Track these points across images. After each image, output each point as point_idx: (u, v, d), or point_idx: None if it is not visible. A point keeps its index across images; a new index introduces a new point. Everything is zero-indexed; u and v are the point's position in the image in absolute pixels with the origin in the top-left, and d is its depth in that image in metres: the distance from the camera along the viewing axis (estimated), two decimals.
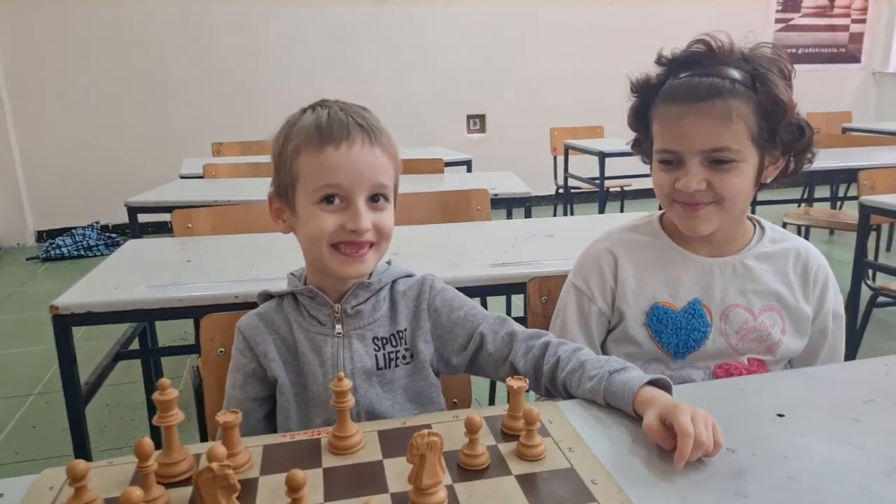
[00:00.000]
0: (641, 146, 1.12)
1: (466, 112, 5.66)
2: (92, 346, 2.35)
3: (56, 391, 2.64)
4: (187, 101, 5.12)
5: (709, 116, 0.98)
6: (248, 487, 0.70)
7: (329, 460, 0.75)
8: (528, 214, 2.44)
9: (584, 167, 4.23)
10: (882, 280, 2.64)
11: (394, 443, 0.78)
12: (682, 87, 1.02)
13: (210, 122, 5.05)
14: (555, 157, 4.64)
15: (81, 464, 0.64)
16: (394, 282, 1.04)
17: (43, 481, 0.72)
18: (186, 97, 5.11)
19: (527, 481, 0.70)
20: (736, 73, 1.00)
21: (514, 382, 0.80)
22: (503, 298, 2.92)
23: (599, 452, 0.75)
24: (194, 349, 1.97)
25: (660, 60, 1.07)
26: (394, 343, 1.00)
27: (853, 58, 6.59)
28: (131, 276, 1.50)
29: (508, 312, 2.80)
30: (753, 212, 4.15)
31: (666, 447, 0.74)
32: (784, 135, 1.01)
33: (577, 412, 0.85)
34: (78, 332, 1.42)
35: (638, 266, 1.11)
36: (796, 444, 0.76)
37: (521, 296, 1.32)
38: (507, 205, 2.58)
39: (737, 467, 0.71)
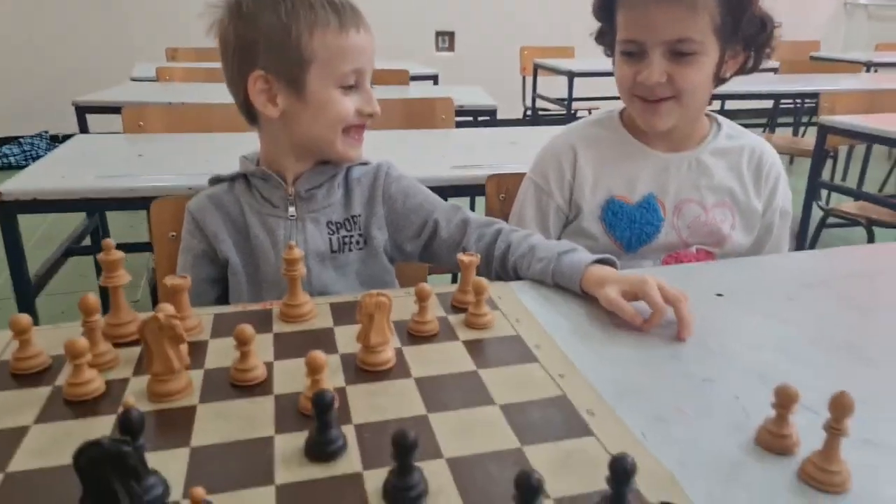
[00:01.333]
0: (605, 38, 1.10)
1: (435, 28, 5.50)
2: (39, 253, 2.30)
3: (7, 298, 2.60)
4: (140, 2, 4.85)
5: (674, 5, 0.97)
6: (198, 349, 0.70)
7: (280, 327, 0.76)
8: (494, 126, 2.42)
9: (554, 89, 4.18)
10: (834, 203, 2.71)
11: (345, 313, 0.78)
12: None
13: (165, 25, 4.82)
14: (524, 78, 4.57)
15: (24, 317, 0.64)
16: (349, 168, 1.02)
17: None
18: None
19: (473, 346, 0.72)
20: None
21: (465, 257, 0.80)
22: (465, 200, 2.91)
23: (546, 323, 0.76)
24: (149, 247, 1.95)
25: None
26: (348, 228, 1.00)
27: None
28: (80, 167, 1.47)
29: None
30: None
31: (628, 319, 0.76)
32: (747, 27, 1.00)
33: (526, 291, 0.86)
34: (28, 242, 1.38)
35: (596, 161, 1.11)
36: (731, 319, 0.79)
37: (482, 198, 1.32)
38: (473, 117, 2.56)
39: (674, 337, 0.74)
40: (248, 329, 0.63)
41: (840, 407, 0.50)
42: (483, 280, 0.75)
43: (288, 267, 0.77)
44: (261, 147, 1.01)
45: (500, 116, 2.51)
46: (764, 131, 4.12)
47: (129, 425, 0.47)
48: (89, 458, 0.41)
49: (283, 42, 0.89)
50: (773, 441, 0.55)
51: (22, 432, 0.56)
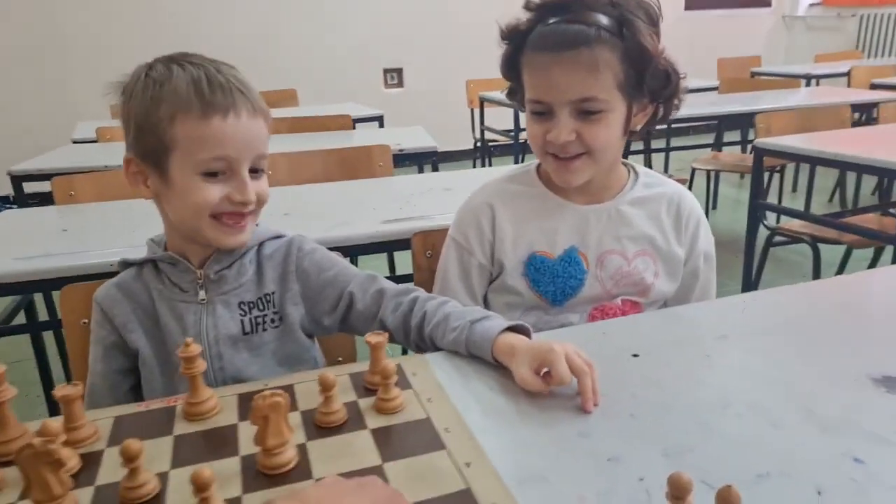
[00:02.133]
0: (517, 95, 1.11)
1: (383, 66, 5.54)
2: None
3: None
4: (83, 60, 4.80)
5: (576, 66, 0.97)
6: (93, 460, 0.67)
7: (182, 427, 0.73)
8: (434, 169, 2.42)
9: (503, 119, 4.21)
10: (782, 220, 2.75)
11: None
12: (549, 35, 1.00)
13: (107, 82, 4.76)
14: (472, 110, 4.60)
15: None
16: (261, 244, 1.00)
17: None
18: (82, 55, 4.80)
19: (381, 434, 0.70)
20: (603, 20, 0.98)
21: (373, 338, 0.78)
22: (396, 254, 2.90)
23: (458, 401, 0.75)
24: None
25: (528, 6, 1.05)
26: (261, 307, 0.97)
27: (764, 2, 6.75)
28: (1, 248, 1.41)
29: (396, 269, 2.80)
30: (667, 158, 4.25)
31: (544, 393, 0.75)
32: (651, 82, 1.01)
33: (442, 363, 0.84)
34: None
35: (515, 217, 1.11)
36: (646, 381, 0.78)
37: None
38: (417, 160, 2.55)
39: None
40: (133, 445, 0.60)
41: (676, 487, 0.49)
42: (390, 364, 0.74)
43: (186, 365, 0.74)
44: (164, 229, 0.98)
45: (452, 148, 2.51)
46: (711, 149, 4.20)
47: None
48: None
49: (147, 126, 0.87)
50: None
51: None
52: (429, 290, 1.18)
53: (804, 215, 2.82)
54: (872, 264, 2.70)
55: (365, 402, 0.76)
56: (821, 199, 4.11)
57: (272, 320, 0.97)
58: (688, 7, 6.35)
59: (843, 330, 0.90)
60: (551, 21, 1.01)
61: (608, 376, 0.78)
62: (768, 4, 6.77)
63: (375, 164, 2.10)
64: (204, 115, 0.86)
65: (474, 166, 5.00)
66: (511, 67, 1.07)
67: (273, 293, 0.98)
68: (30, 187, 2.34)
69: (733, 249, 3.18)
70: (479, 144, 4.58)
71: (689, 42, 6.01)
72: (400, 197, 1.69)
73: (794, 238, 2.50)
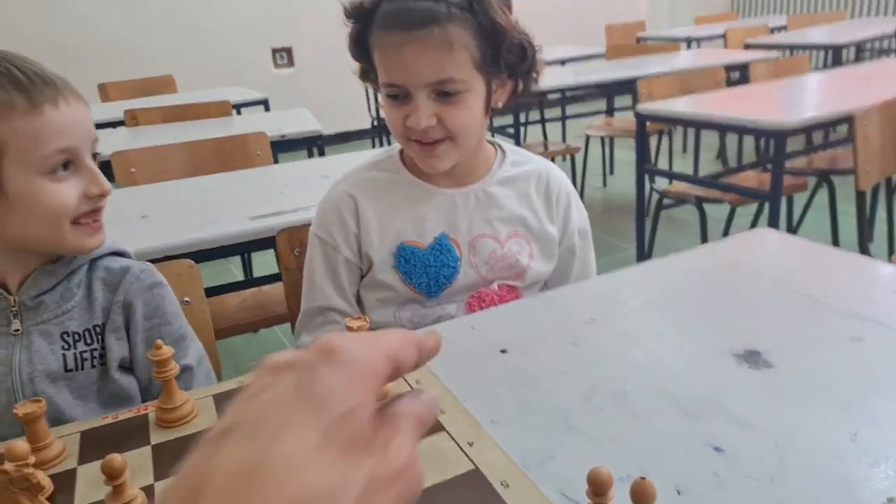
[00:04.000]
0: (369, 76, 1.03)
1: (271, 45, 5.30)
2: None
3: None
4: None
5: (429, 46, 0.91)
6: (66, 480, 0.60)
7: (159, 436, 0.66)
8: (321, 153, 2.31)
9: None
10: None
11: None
12: (397, 13, 0.93)
13: None
14: (367, 88, 4.47)
15: None
16: (93, 262, 0.88)
17: None
18: None
19: None
20: None
21: (353, 322, 0.65)
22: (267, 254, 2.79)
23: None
24: None
25: None
26: (88, 340, 0.85)
27: None
28: None
29: (254, 271, 2.70)
30: (564, 126, 4.26)
31: None
32: (507, 57, 0.96)
33: None
34: None
35: (380, 207, 1.04)
36: (512, 379, 0.73)
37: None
38: (306, 145, 2.44)
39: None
40: (116, 460, 0.53)
41: (598, 482, 0.47)
42: None
43: (158, 368, 0.66)
44: None
45: (351, 129, 2.39)
46: (605, 116, 4.27)
47: None
48: None
49: None
50: None
51: None
52: (300, 290, 1.10)
53: (686, 178, 2.90)
54: (754, 222, 2.81)
55: None
56: (709, 158, 4.26)
57: (101, 356, 0.86)
58: None
59: (709, 304, 0.89)
60: None
61: (474, 377, 0.74)
62: None
63: (253, 153, 1.98)
64: (33, 108, 0.75)
65: (373, 146, 4.89)
66: (360, 47, 0.99)
67: (102, 325, 0.87)
68: None
69: (629, 213, 3.24)
70: (375, 124, 4.48)
71: (577, 10, 6.08)
72: (272, 189, 1.59)
73: (681, 200, 2.56)
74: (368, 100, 4.48)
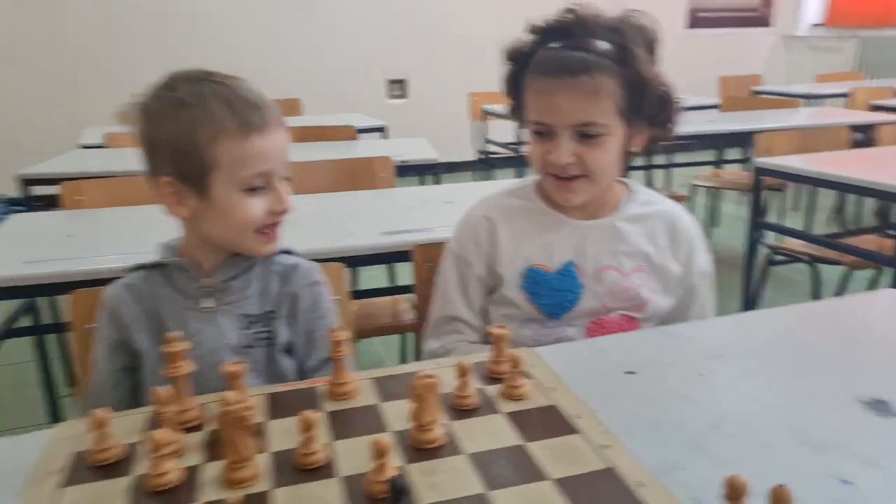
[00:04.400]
0: (518, 113, 1.13)
1: (386, 77, 5.57)
2: None
3: None
4: (90, 64, 4.84)
5: (577, 92, 1.00)
6: (260, 431, 0.71)
7: (330, 405, 0.77)
8: (437, 181, 2.44)
9: (506, 132, 4.24)
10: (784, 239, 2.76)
11: (388, 388, 0.79)
12: (552, 60, 1.03)
13: (114, 87, 4.80)
14: (474, 123, 4.63)
15: (103, 412, 0.67)
16: (269, 260, 1.02)
17: (64, 431, 0.73)
18: (89, 59, 4.84)
19: (514, 418, 0.73)
20: (604, 46, 1.01)
21: (497, 330, 0.80)
22: (399, 266, 2.92)
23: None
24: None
25: (532, 29, 1.07)
26: (261, 323, 0.99)
27: (765, 21, 6.79)
28: (12, 252, 1.45)
29: (399, 279, 2.80)
30: (668, 174, 4.25)
31: None
32: (648, 107, 1.04)
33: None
34: None
35: (514, 231, 1.13)
36: (640, 399, 0.79)
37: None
38: (418, 171, 2.58)
39: None
40: (311, 415, 0.65)
41: (734, 489, 0.52)
42: (518, 352, 0.77)
43: (335, 349, 0.77)
44: (181, 237, 1.00)
45: (455, 159, 2.53)
46: (713, 166, 4.22)
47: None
48: None
49: (186, 150, 0.89)
50: None
51: None
52: (427, 301, 1.20)
53: (804, 235, 2.83)
54: (871, 286, 2.71)
55: (492, 389, 0.78)
56: (822, 217, 4.13)
57: (268, 338, 0.99)
58: (690, 25, 6.40)
59: (835, 352, 0.91)
60: (554, 45, 1.03)
61: (603, 393, 0.79)
62: (768, 24, 6.81)
63: (377, 176, 2.13)
64: (244, 135, 0.89)
65: (474, 179, 5.02)
66: (513, 87, 1.09)
67: (273, 311, 1.00)
68: (37, 190, 2.36)
69: (733, 267, 3.19)
70: (480, 157, 4.61)
71: (691, 59, 6.04)
72: (401, 209, 1.71)
73: (794, 257, 2.51)
74: (475, 134, 4.62)
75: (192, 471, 0.65)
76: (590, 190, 1.07)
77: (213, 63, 1.00)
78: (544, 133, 1.04)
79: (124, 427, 0.72)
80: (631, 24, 1.04)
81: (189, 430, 0.72)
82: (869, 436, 0.71)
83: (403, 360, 2.29)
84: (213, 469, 0.65)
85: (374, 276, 2.40)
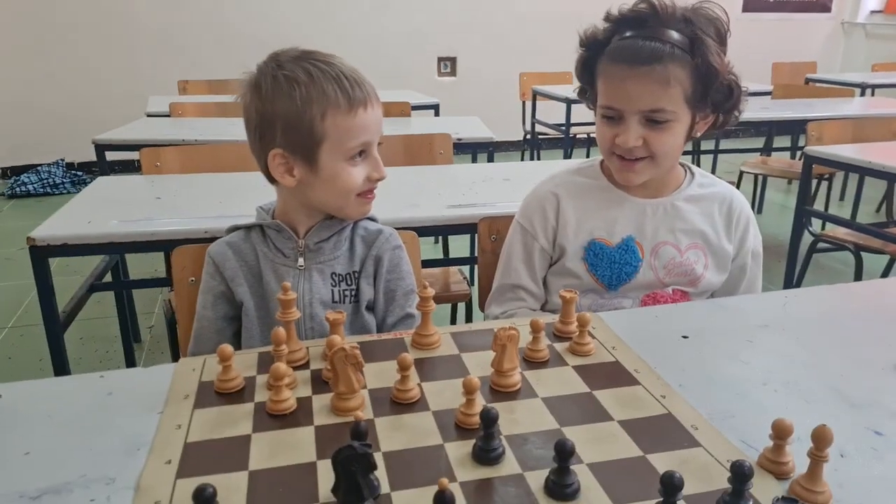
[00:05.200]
0: (587, 95, 1.21)
1: (437, 54, 5.64)
2: (60, 281, 2.42)
3: (29, 324, 2.71)
4: (153, 36, 5.02)
5: (649, 80, 1.06)
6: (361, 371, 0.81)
7: (415, 353, 0.87)
8: (490, 159, 2.52)
9: (553, 113, 4.28)
10: (827, 227, 2.79)
11: (465, 342, 0.90)
12: (626, 49, 1.09)
13: (176, 58, 4.98)
14: (523, 103, 4.68)
15: (228, 347, 0.78)
16: (356, 224, 1.13)
17: (184, 365, 0.86)
18: (152, 32, 5.01)
19: (581, 370, 0.83)
20: (676, 36, 1.07)
21: (567, 293, 0.91)
22: (460, 238, 3.02)
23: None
24: (165, 283, 2.06)
25: (607, 18, 1.14)
26: (348, 281, 1.10)
27: (823, 7, 6.64)
28: (103, 212, 1.57)
29: (462, 251, 2.94)
30: (715, 160, 4.26)
31: None
32: (715, 95, 1.10)
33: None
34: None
35: (578, 206, 1.21)
36: (694, 359, 0.88)
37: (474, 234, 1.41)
38: (472, 149, 2.67)
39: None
40: (408, 357, 0.75)
41: (822, 438, 0.59)
42: (587, 314, 0.87)
43: (422, 303, 0.88)
44: (277, 202, 1.12)
45: (501, 139, 2.59)
46: (761, 154, 4.21)
47: (359, 434, 0.62)
48: (345, 456, 0.56)
49: (298, 124, 0.99)
50: (772, 466, 0.64)
51: (247, 440, 0.70)
52: (493, 271, 1.29)
53: (850, 223, 2.85)
54: None
55: (560, 346, 0.89)
56: (867, 209, 4.10)
57: (354, 296, 1.10)
58: (745, 9, 6.29)
59: (875, 326, 0.98)
60: (628, 34, 1.10)
61: (659, 354, 0.88)
62: (828, 10, 6.65)
63: (436, 152, 2.22)
64: (350, 110, 1.00)
65: (522, 158, 5.08)
66: (586, 71, 1.17)
67: (358, 271, 1.11)
68: (110, 156, 2.52)
69: (777, 254, 3.22)
70: (528, 137, 4.66)
71: (745, 44, 5.94)
72: (462, 184, 1.80)
73: (838, 245, 2.54)
74: (524, 113, 4.67)
75: (303, 401, 0.76)
76: (651, 171, 1.14)
77: (272, 39, 1.08)
78: (614, 117, 1.12)
79: (240, 364, 0.83)
80: (702, 14, 1.09)
81: (296, 368, 0.83)
82: None
83: None
84: (319, 401, 0.76)
85: (425, 249, 2.51)
